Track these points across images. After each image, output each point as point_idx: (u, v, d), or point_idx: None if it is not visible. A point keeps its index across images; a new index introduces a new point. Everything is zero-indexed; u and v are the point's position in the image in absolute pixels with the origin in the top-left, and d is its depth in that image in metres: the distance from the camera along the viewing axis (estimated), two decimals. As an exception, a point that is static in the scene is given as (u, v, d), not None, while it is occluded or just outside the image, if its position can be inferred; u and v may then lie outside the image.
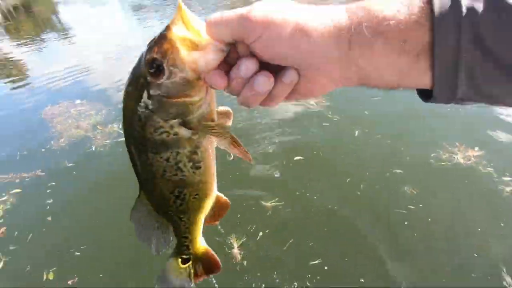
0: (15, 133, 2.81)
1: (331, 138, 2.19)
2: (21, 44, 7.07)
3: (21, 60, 5.61)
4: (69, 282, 1.46)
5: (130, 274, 1.45)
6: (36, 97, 3.53)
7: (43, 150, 2.38)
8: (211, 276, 0.54)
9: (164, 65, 0.33)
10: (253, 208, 1.70)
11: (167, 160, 0.40)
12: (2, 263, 1.58)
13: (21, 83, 4.21)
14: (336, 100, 2.64)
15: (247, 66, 0.31)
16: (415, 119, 2.32)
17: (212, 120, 0.39)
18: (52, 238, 1.69)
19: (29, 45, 6.66)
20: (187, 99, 0.35)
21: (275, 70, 0.32)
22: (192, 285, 0.53)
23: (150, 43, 0.34)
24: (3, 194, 2.02)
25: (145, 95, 0.35)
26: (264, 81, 0.31)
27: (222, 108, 0.41)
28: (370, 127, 2.26)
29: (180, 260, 0.52)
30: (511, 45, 0.27)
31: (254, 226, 1.60)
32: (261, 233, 1.56)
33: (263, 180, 1.88)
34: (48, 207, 1.88)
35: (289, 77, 0.31)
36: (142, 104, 0.36)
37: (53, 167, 2.19)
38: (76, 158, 2.25)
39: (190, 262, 0.52)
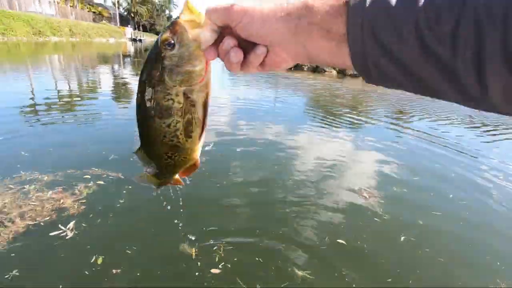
0: (116, 139, 3.51)
1: (375, 233, 2.20)
2: (135, 74, 8.82)
3: (132, 87, 6.99)
4: (113, 271, 1.67)
5: (166, 276, 1.60)
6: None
7: (131, 159, 2.87)
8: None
9: (174, 40, 0.43)
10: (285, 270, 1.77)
11: (169, 126, 0.48)
12: (72, 233, 1.89)
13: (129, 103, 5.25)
14: (391, 199, 2.68)
15: (227, 42, 0.42)
16: (474, 242, 2.21)
17: (207, 93, 0.48)
18: (112, 229, 1.98)
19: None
20: (190, 68, 0.44)
21: (254, 45, 0.43)
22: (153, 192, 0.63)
23: (165, 27, 0.45)
24: (91, 182, 2.46)
25: (159, 66, 0.44)
26: (234, 54, 0.42)
27: None
28: (419, 237, 2.21)
29: (156, 177, 0.60)
30: (396, 38, 0.32)
31: None
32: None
33: (304, 250, 1.95)
34: (119, 204, 2.23)
35: (260, 50, 0.42)
36: (157, 74, 0.45)
37: (133, 174, 2.62)
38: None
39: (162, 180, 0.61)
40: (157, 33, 72.28)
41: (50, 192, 2.27)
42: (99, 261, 1.73)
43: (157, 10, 72.28)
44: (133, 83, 7.90)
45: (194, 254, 1.81)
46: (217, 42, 0.43)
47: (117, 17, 50.30)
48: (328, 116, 5.76)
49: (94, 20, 39.81)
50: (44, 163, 2.71)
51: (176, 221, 2.05)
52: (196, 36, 0.43)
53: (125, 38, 40.74)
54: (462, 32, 0.29)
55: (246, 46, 0.42)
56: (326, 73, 12.51)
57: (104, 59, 14.20)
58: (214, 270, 1.72)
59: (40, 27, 22.92)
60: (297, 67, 12.93)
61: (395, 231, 2.26)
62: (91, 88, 6.94)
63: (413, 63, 0.32)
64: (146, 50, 25.35)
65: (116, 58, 15.93)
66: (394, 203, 2.65)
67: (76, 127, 3.94)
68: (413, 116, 6.75)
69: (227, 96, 6.73)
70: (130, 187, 2.44)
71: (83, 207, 2.13)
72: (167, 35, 0.43)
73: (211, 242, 1.93)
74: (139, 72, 0.47)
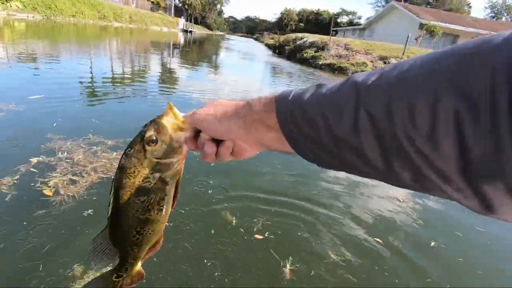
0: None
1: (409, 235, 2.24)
2: (183, 65, 9.28)
3: (177, 74, 7.42)
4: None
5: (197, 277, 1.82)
6: (176, 100, 4.70)
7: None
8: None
9: (158, 138, 0.49)
10: None
11: (143, 202, 0.53)
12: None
13: (174, 88, 5.64)
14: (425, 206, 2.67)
15: (203, 137, 0.49)
16: None
17: (179, 175, 0.55)
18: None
19: (188, 67, 8.70)
20: (169, 160, 0.51)
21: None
22: None
23: (148, 123, 0.51)
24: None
25: (141, 156, 0.50)
26: (208, 147, 0.49)
27: None
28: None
29: (114, 275, 0.62)
30: (311, 130, 0.36)
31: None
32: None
33: None
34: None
35: (227, 144, 0.48)
36: (138, 163, 0.51)
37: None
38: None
39: (122, 278, 0.63)
40: (207, 26, 74.55)
41: (115, 153, 2.62)
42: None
43: (209, 4, 74.58)
44: (178, 71, 8.40)
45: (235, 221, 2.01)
46: (195, 136, 0.51)
47: (172, 8, 52.81)
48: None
49: (151, 9, 42.24)
50: (107, 130, 3.09)
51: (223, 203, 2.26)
52: (178, 138, 0.50)
53: (177, 29, 42.66)
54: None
55: (218, 140, 0.49)
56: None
57: (157, 46, 15.11)
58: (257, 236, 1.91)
59: (105, 12, 24.91)
60: (341, 71, 12.71)
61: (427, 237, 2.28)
62: (142, 71, 7.52)
63: (327, 146, 0.35)
64: (195, 42, 26.42)
65: (167, 46, 16.84)
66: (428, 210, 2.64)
67: (131, 102, 4.38)
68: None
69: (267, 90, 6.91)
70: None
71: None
72: (151, 133, 0.49)
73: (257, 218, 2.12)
74: (121, 154, 0.53)
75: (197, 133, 0.51)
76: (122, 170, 0.52)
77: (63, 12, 19.88)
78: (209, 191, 2.34)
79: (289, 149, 0.42)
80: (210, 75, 8.53)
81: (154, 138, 0.49)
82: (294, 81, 9.64)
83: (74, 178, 2.19)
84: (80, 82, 5.08)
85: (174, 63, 10.24)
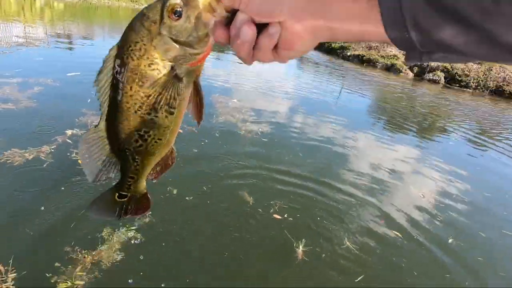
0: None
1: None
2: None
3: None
4: (186, 198, 2.01)
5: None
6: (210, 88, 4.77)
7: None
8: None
9: (184, 11, 0.37)
10: None
11: (148, 96, 0.41)
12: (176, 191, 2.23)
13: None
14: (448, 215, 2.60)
15: (239, 18, 0.37)
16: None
17: (198, 75, 0.43)
18: (189, 172, 2.34)
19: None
20: (189, 49, 0.39)
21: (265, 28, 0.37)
22: (118, 220, 0.56)
23: None
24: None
25: (154, 30, 0.38)
26: (247, 29, 0.36)
27: None
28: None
29: (117, 194, 0.52)
30: None
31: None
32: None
33: None
34: (193, 154, 2.59)
35: (273, 28, 0.36)
36: (147, 37, 0.38)
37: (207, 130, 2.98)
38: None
39: (126, 199, 0.53)
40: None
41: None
42: (174, 191, 2.09)
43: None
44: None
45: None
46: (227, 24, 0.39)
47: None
48: (395, 121, 5.51)
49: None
50: None
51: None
52: (208, 21, 0.38)
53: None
54: None
55: (259, 27, 0.37)
56: (401, 74, 11.64)
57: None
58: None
59: (137, -5, 25.44)
60: (370, 63, 12.27)
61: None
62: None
63: (480, 11, 0.25)
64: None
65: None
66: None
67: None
68: (496, 131, 6.05)
69: (291, 85, 6.84)
70: (206, 141, 2.81)
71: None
72: (177, 1, 0.37)
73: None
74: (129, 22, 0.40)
75: (229, 19, 0.39)
76: (124, 43, 0.40)
77: (98, -6, 20.52)
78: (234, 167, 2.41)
79: (371, 29, 0.31)
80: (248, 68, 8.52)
81: (179, 9, 0.37)
82: (320, 73, 9.45)
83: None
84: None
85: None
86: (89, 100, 3.23)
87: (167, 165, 0.53)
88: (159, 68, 0.40)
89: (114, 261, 1.47)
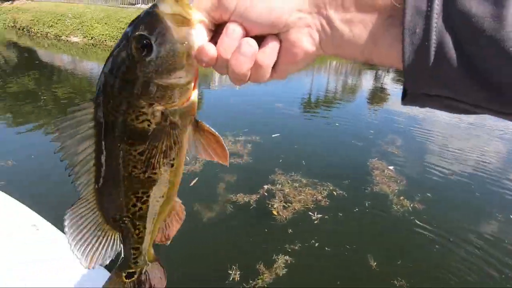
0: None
1: None
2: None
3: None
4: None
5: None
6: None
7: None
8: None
9: (153, 41, 0.32)
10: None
11: (141, 154, 0.37)
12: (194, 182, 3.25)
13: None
14: None
15: (233, 28, 0.31)
16: None
17: (194, 115, 0.38)
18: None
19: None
20: (174, 81, 0.34)
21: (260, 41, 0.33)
22: None
23: (134, 20, 0.33)
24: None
25: (130, 74, 0.33)
26: (249, 44, 0.31)
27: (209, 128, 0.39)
28: None
29: (124, 275, 0.46)
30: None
31: None
32: None
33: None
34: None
35: (270, 41, 0.32)
36: (125, 85, 0.34)
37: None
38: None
39: (135, 277, 0.47)
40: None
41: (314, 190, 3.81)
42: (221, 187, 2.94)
43: None
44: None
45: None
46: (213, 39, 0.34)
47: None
48: None
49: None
50: (314, 171, 4.25)
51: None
52: (184, 37, 0.32)
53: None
54: None
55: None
56: None
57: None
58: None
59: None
60: None
61: None
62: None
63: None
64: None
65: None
66: None
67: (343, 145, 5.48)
68: None
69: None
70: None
71: (195, 179, 3.49)
72: (141, 31, 0.32)
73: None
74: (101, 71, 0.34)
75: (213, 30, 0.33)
76: (102, 103, 0.35)
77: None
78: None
79: (378, 48, 0.28)
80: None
81: (148, 41, 0.32)
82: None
83: (286, 204, 3.56)
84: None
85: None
86: (280, 160, 4.59)
87: (176, 221, 0.48)
88: (148, 118, 0.36)
89: None
